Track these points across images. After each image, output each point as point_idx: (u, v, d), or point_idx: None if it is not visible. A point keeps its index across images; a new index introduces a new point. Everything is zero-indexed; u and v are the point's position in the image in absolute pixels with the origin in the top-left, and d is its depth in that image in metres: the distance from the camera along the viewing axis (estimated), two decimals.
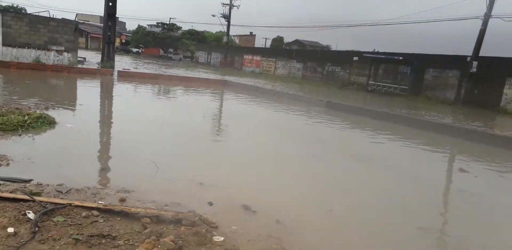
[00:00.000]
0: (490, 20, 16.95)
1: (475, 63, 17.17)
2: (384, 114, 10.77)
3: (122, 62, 26.76)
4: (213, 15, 43.55)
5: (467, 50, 17.46)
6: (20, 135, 4.65)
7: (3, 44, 16.15)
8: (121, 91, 11.96)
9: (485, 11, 16.85)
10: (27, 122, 4.97)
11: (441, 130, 9.14)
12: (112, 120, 6.88)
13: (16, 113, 5.21)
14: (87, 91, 10.87)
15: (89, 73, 14.91)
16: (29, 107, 6.33)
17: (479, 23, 17.13)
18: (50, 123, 5.29)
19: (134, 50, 64.58)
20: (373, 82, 22.94)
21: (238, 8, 42.73)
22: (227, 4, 42.37)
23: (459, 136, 8.70)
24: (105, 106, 8.41)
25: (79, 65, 17.75)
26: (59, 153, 4.28)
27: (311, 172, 4.72)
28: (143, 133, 5.78)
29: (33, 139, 4.69)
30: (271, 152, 5.59)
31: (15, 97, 7.35)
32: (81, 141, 4.97)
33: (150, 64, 30.06)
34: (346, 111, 11.50)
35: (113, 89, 12.30)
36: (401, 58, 21.24)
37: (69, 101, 8.36)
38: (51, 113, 6.05)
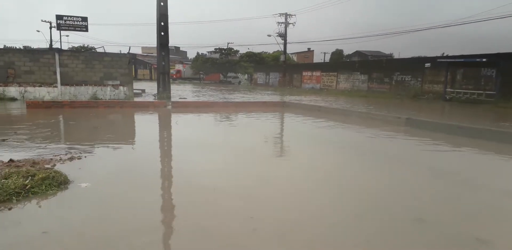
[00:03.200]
0: None
1: None
2: (490, 132, 8.51)
3: (182, 91, 26.60)
4: (269, 35, 43.26)
5: None
6: (10, 209, 3.48)
7: (62, 84, 16.31)
8: (171, 124, 11.03)
9: None
10: (28, 187, 3.86)
11: None
12: (152, 167, 5.47)
13: (21, 174, 4.14)
14: (130, 129, 9.96)
15: (142, 107, 14.35)
16: (50, 159, 5.33)
17: None
18: (60, 184, 4.14)
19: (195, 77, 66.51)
20: (451, 90, 20.40)
21: (294, 25, 42.03)
22: (282, 23, 41.86)
23: None
24: (146, 147, 7.10)
25: (136, 98, 17.46)
26: (42, 243, 2.84)
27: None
28: (198, 182, 4.43)
29: (23, 214, 3.38)
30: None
31: (43, 145, 6.46)
32: (91, 214, 3.43)
33: (211, 91, 29.74)
34: (433, 130, 9.41)
35: (163, 122, 11.41)
36: (484, 60, 18.45)
37: (109, 141, 7.31)
38: (71, 166, 4.97)
